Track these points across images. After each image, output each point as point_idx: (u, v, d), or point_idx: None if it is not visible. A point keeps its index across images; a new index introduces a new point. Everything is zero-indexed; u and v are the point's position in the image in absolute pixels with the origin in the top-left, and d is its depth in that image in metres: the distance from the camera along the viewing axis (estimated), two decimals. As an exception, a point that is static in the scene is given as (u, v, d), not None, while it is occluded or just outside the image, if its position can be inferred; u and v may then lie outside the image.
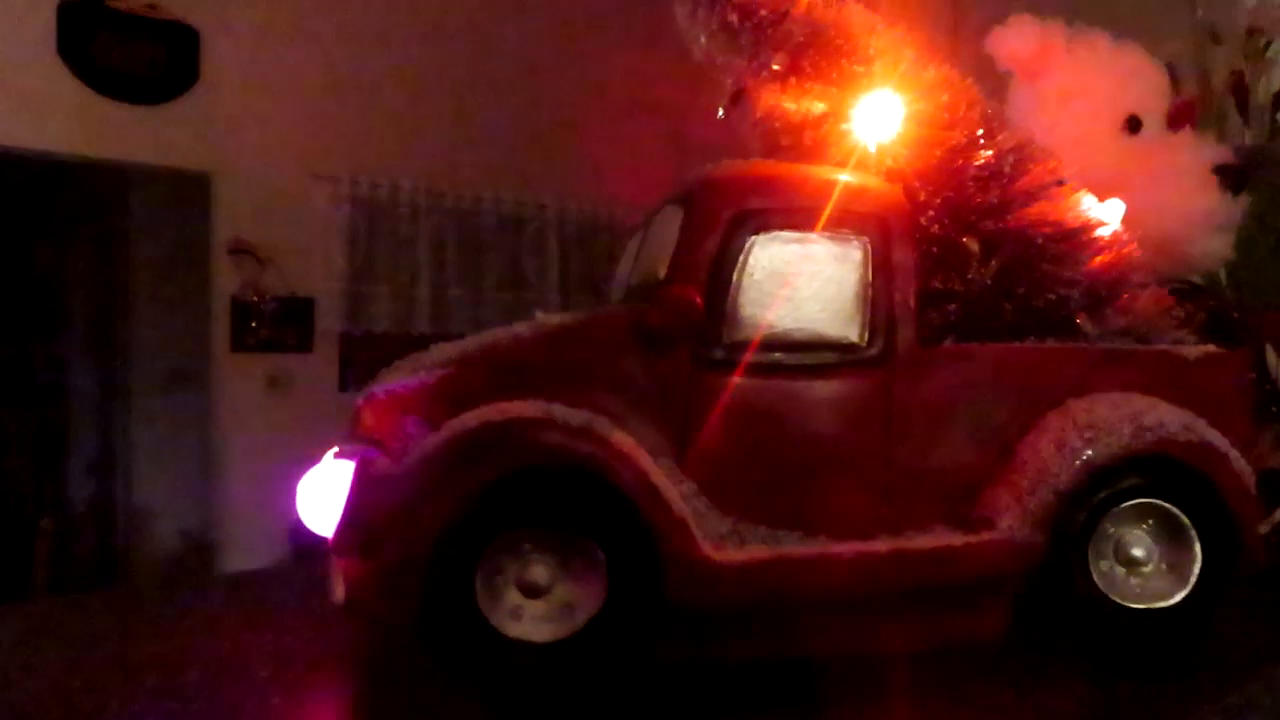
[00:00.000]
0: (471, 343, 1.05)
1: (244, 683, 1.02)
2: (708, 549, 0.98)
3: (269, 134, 5.30)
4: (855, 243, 1.08)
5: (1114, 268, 1.21)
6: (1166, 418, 1.09)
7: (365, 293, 5.59)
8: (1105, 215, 1.23)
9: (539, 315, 1.08)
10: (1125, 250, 1.22)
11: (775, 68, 1.14)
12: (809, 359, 1.07)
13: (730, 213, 1.06)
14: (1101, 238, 1.21)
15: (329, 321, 5.37)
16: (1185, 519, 1.10)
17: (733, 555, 0.99)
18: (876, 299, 1.08)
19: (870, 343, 1.08)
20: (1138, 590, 1.09)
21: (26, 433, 5.12)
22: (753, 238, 1.06)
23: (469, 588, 0.93)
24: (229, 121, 5.28)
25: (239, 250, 5.21)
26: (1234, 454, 1.11)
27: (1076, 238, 1.17)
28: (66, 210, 5.16)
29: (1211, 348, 1.20)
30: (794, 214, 1.07)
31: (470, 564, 0.93)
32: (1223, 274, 1.74)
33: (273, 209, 5.39)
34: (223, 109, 5.27)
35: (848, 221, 1.08)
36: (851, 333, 1.08)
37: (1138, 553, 1.10)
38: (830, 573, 1.02)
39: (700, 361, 1.04)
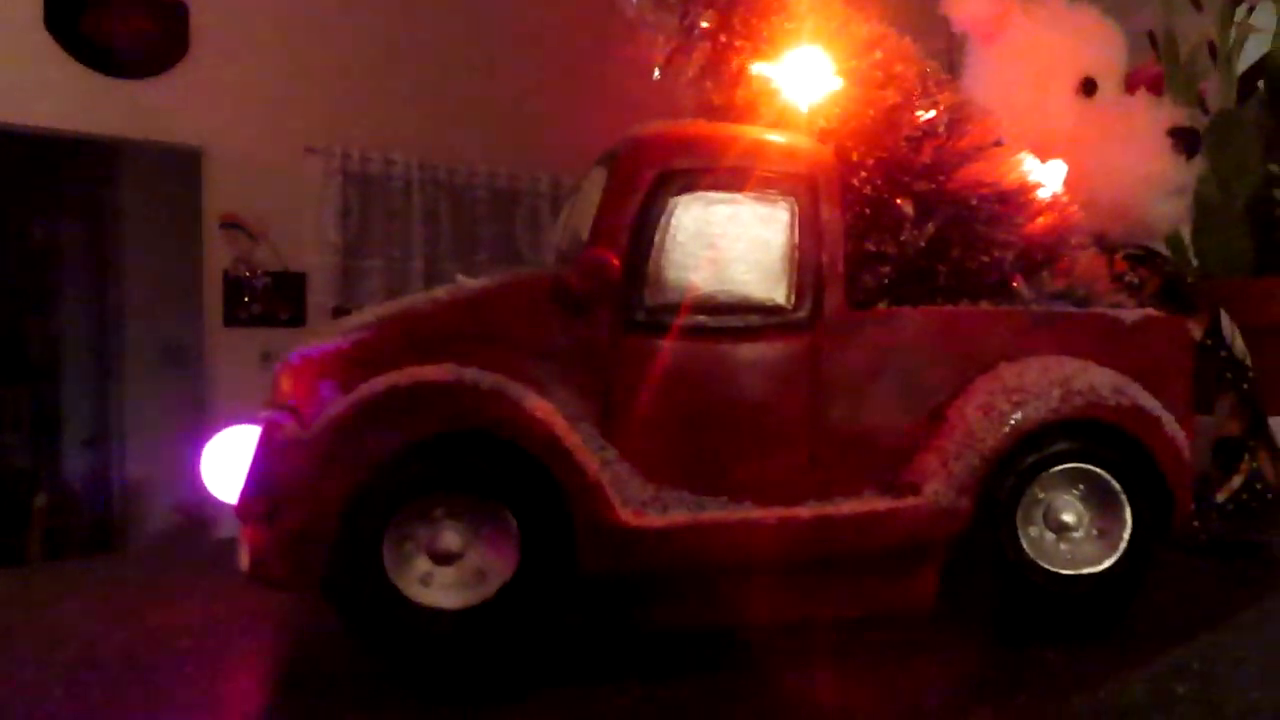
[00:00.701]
0: (390, 307, 1.04)
1: (163, 653, 1.02)
2: (625, 514, 0.97)
3: (260, 107, 5.29)
4: (782, 204, 1.07)
5: (1053, 230, 1.19)
6: (1097, 381, 1.08)
7: (358, 267, 5.59)
8: (1045, 176, 1.21)
9: (460, 279, 1.06)
10: (1065, 212, 1.20)
11: (704, 25, 1.12)
12: (733, 322, 1.05)
13: (653, 173, 1.04)
14: (1041, 199, 1.19)
15: (322, 296, 5.37)
16: (1116, 484, 1.08)
17: (651, 521, 0.98)
18: (803, 261, 1.07)
19: (796, 305, 1.06)
20: (1067, 556, 1.08)
21: (21, 409, 5.14)
22: (676, 199, 1.04)
23: (376, 555, 0.92)
24: (219, 95, 5.27)
25: (230, 225, 5.21)
26: (1168, 419, 1.10)
27: (1013, 199, 1.15)
28: (60, 186, 5.15)
29: (1151, 312, 1.18)
30: (719, 175, 1.05)
31: (378, 531, 0.92)
32: (1186, 239, 1.72)
33: (264, 183, 5.39)
34: (212, 82, 5.26)
35: (774, 182, 1.07)
36: (777, 295, 1.06)
37: (1068, 518, 1.08)
38: (751, 538, 1.00)
39: (622, 325, 1.03)
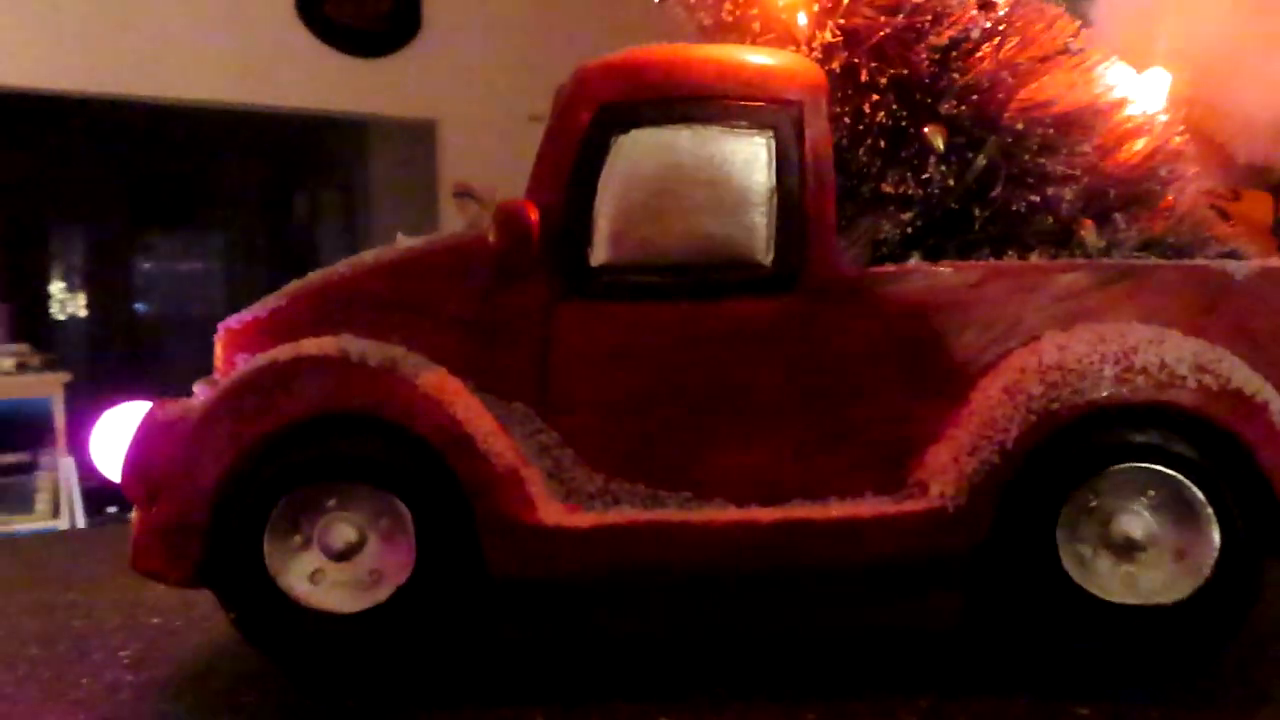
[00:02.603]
0: (321, 272, 0.95)
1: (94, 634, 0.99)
2: (544, 512, 0.83)
3: (489, 79, 5.39)
4: (756, 137, 0.87)
5: (1148, 159, 0.92)
6: (1173, 355, 0.82)
7: (585, 231, 5.59)
8: (1139, 91, 0.94)
9: (399, 238, 0.95)
10: (1166, 136, 0.93)
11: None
12: (693, 283, 0.88)
13: (591, 109, 0.88)
14: (1128, 120, 0.92)
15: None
16: (1197, 491, 0.82)
17: (575, 520, 0.84)
18: (784, 207, 0.87)
19: (776, 262, 0.87)
20: (1127, 584, 0.83)
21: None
22: (619, 137, 0.88)
23: (255, 548, 0.83)
24: (451, 69, 5.41)
25: (462, 194, 5.34)
26: (1277, 404, 0.82)
27: (1077, 122, 0.90)
28: (316, 162, 5.49)
29: (1273, 261, 0.89)
30: (671, 106, 0.88)
31: (256, 521, 0.83)
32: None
33: (495, 152, 5.48)
34: (445, 57, 5.40)
35: (745, 112, 0.88)
36: (750, 249, 0.88)
37: (1135, 534, 0.83)
38: (696, 546, 0.83)
39: (559, 289, 0.88)
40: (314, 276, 0.93)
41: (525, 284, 0.88)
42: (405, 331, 0.88)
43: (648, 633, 0.89)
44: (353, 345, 0.84)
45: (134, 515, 0.87)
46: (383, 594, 0.83)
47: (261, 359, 0.85)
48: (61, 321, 4.82)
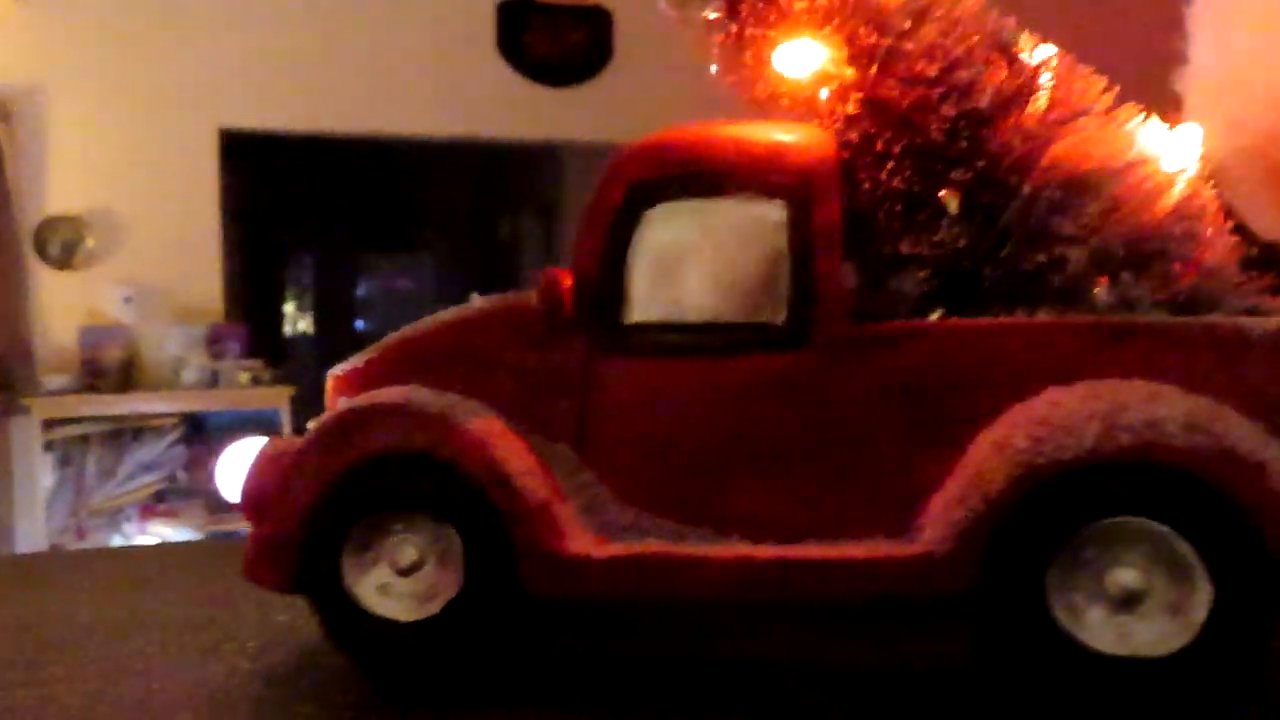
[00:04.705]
0: (408, 327, 1.10)
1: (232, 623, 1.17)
2: (571, 542, 0.95)
3: (675, 104, 5.54)
4: (769, 208, 0.96)
5: (1171, 218, 0.95)
6: (1163, 413, 0.85)
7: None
8: (1168, 149, 0.96)
9: (473, 298, 1.09)
10: (1193, 195, 0.95)
11: (712, 15, 1.04)
12: (712, 341, 0.97)
13: (625, 186, 0.99)
14: (1148, 177, 0.95)
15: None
16: (1187, 546, 0.84)
17: (598, 550, 0.95)
18: (796, 271, 0.96)
19: (787, 321, 0.96)
20: (1120, 634, 0.86)
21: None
22: (649, 210, 0.98)
23: (335, 563, 0.98)
24: (640, 96, 5.60)
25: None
26: (1281, 464, 0.83)
27: (1087, 183, 0.93)
28: (517, 187, 5.81)
29: (1290, 318, 0.90)
30: (694, 180, 0.97)
31: (335, 542, 0.98)
32: None
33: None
34: (634, 85, 5.60)
35: (759, 185, 0.96)
36: (762, 311, 0.96)
37: (1127, 586, 0.86)
38: (705, 577, 0.93)
39: (598, 345, 1.00)
40: (402, 331, 1.08)
41: (569, 340, 1.00)
42: (469, 380, 1.01)
43: (668, 654, 0.98)
44: (416, 395, 0.98)
45: (249, 532, 1.05)
46: (436, 606, 0.97)
47: (344, 405, 1.00)
48: (291, 339, 5.34)
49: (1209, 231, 0.95)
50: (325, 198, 5.26)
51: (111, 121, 4.47)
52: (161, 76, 4.52)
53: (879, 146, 0.97)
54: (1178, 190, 0.95)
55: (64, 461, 4.25)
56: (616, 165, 1.00)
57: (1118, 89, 0.98)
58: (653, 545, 0.95)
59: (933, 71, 0.96)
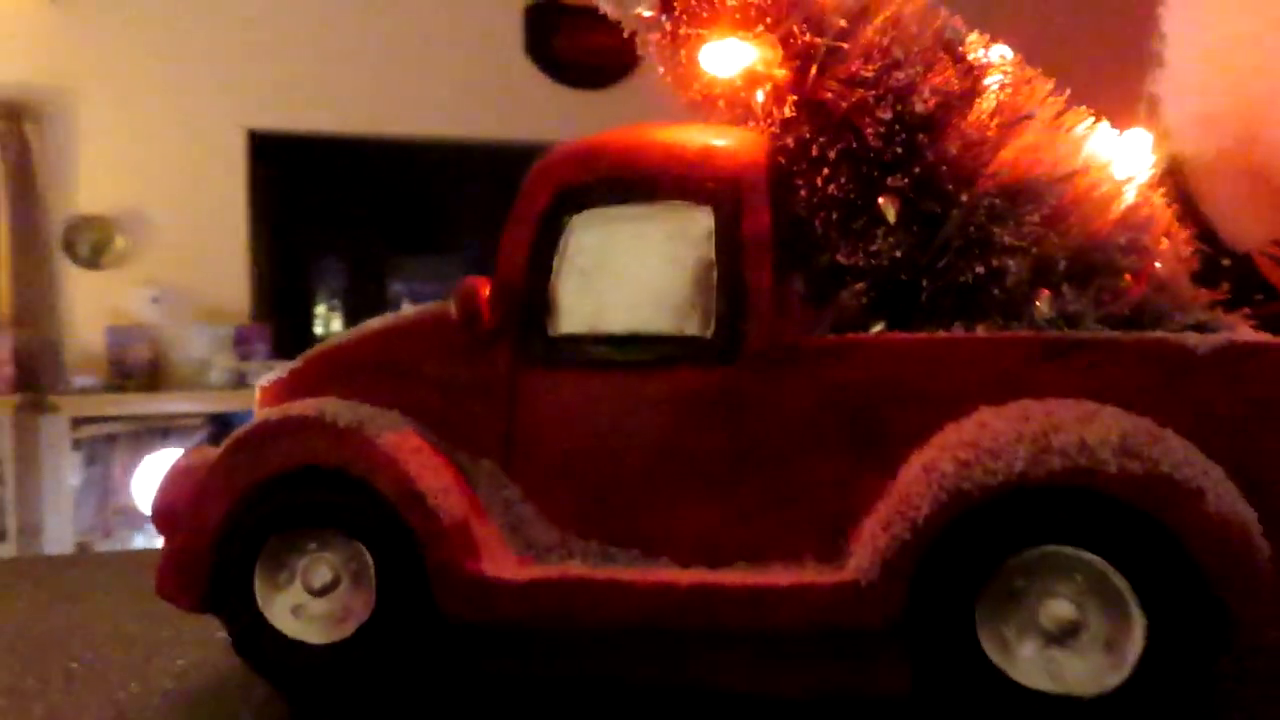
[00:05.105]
0: (334, 337, 1.07)
1: (166, 642, 1.14)
2: (489, 563, 0.91)
3: (701, 108, 5.48)
4: (696, 215, 0.92)
5: (1118, 228, 0.89)
6: (1097, 436, 0.79)
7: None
8: (1115, 152, 0.91)
9: (404, 305, 1.06)
10: (1141, 205, 0.89)
11: (645, 13, 0.99)
12: (639, 354, 0.93)
13: (551, 190, 0.95)
14: (1094, 185, 0.89)
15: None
16: (1121, 579, 0.79)
17: (520, 573, 0.91)
18: (723, 281, 0.91)
19: (715, 334, 0.91)
20: (1052, 670, 0.81)
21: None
22: (572, 217, 0.94)
23: (247, 582, 0.95)
24: (668, 98, 5.54)
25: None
26: (1222, 492, 0.78)
27: (1029, 191, 0.88)
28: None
29: (1241, 336, 0.84)
30: (617, 187, 0.93)
31: (247, 560, 0.95)
32: None
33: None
34: (662, 87, 5.53)
35: (686, 191, 0.92)
36: (691, 323, 0.92)
37: (1059, 619, 0.81)
38: (625, 603, 0.89)
39: (523, 357, 0.96)
40: (328, 341, 1.05)
41: (495, 351, 0.96)
42: (393, 392, 0.98)
43: (593, 677, 0.94)
44: (329, 407, 0.95)
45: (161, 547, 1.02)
46: (349, 628, 0.94)
47: (258, 417, 0.97)
48: (322, 339, 5.36)
49: (1161, 242, 0.89)
50: (354, 199, 5.27)
51: (141, 123, 4.51)
52: (190, 78, 4.56)
53: (814, 151, 0.92)
54: (1126, 199, 0.89)
55: (91, 460, 4.29)
56: (542, 169, 0.96)
57: (1068, 92, 0.93)
58: (572, 569, 0.91)
59: (869, 73, 0.91)
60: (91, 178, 4.47)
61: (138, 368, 4.40)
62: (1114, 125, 0.93)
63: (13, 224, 4.31)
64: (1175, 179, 1.16)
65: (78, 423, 4.23)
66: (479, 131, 5.23)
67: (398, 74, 4.85)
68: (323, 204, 5.15)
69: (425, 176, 5.24)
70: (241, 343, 4.54)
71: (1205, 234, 1.00)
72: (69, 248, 4.42)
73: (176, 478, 0.99)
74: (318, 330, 5.51)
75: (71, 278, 4.43)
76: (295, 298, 5.28)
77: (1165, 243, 0.89)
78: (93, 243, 4.46)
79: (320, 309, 5.54)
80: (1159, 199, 0.91)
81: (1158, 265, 0.88)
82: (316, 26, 4.75)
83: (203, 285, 4.59)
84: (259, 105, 4.65)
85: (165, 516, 0.99)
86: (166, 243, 4.53)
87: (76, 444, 4.24)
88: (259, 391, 1.07)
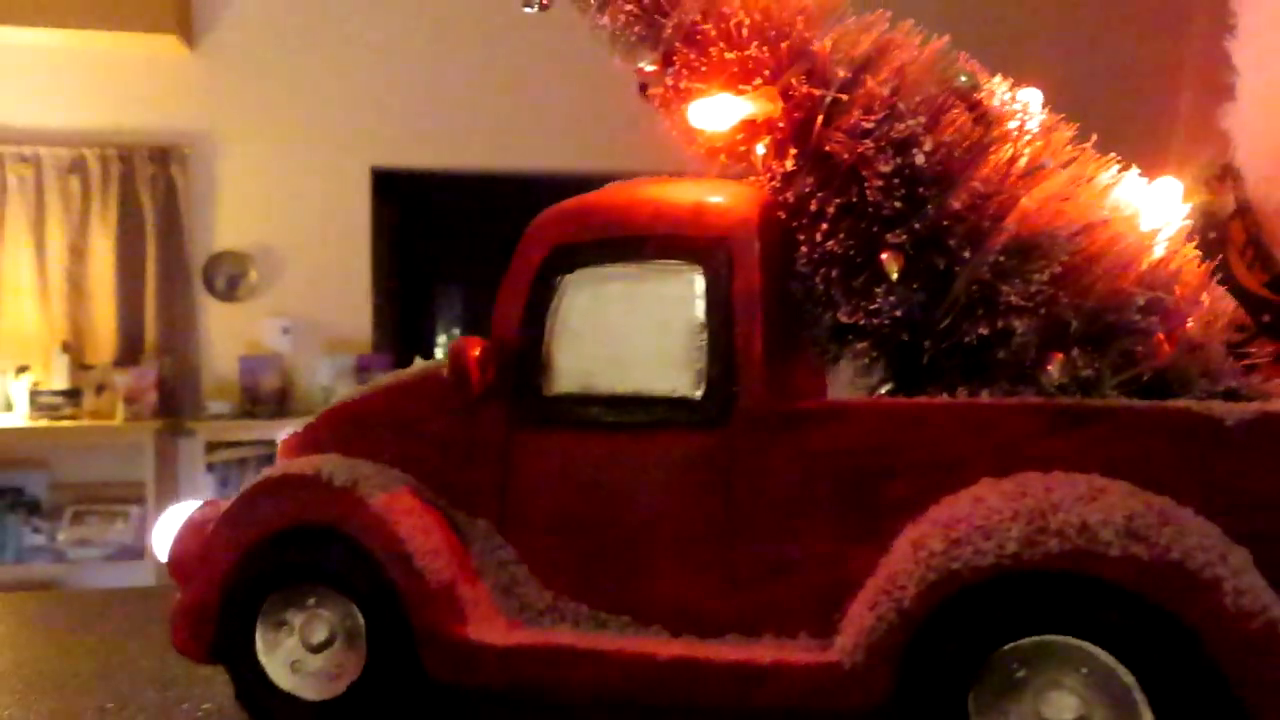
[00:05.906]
0: (348, 392, 1.07)
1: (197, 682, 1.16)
2: (476, 627, 0.89)
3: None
4: (687, 275, 0.89)
5: (1147, 283, 0.82)
6: (1098, 517, 0.72)
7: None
8: (1142, 202, 0.84)
9: (416, 361, 1.06)
10: (1170, 255, 0.82)
11: (649, 68, 0.97)
12: (631, 415, 0.90)
13: (544, 250, 0.94)
14: (1114, 240, 0.82)
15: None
16: (1126, 673, 0.72)
17: (508, 637, 0.89)
18: (713, 342, 0.88)
19: (705, 396, 0.88)
20: (1049, 769, 0.74)
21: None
22: (565, 277, 0.93)
23: (249, 636, 0.96)
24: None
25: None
26: (1243, 581, 0.70)
27: (1039, 247, 0.82)
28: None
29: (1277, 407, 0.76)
30: (609, 246, 0.91)
31: (249, 614, 0.96)
32: None
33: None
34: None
35: (677, 250, 0.89)
36: (681, 385, 0.89)
37: (1062, 714, 0.74)
38: (607, 674, 0.86)
39: (518, 417, 0.94)
40: (343, 396, 1.06)
41: (491, 410, 0.95)
42: (396, 449, 0.98)
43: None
44: (326, 465, 0.95)
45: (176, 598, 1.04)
46: (341, 687, 0.93)
47: (263, 474, 0.98)
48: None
49: (1200, 299, 0.81)
50: (473, 233, 5.39)
51: (273, 163, 4.71)
52: (319, 121, 4.74)
53: (814, 205, 0.88)
54: (1153, 253, 0.82)
55: (223, 482, 4.48)
56: (537, 227, 0.95)
57: (1094, 138, 0.86)
58: (556, 635, 0.88)
59: (869, 124, 0.86)
60: (229, 215, 4.69)
61: (268, 395, 4.58)
62: (1144, 174, 0.86)
63: (159, 260, 4.55)
64: (1245, 220, 1.07)
65: (212, 447, 4.43)
66: (595, 165, 5.27)
67: (514, 110, 4.94)
68: (444, 237, 5.27)
69: (541, 209, 5.32)
70: (362, 370, 4.67)
71: (1278, 279, 0.92)
72: (207, 281, 4.63)
73: (190, 531, 1.01)
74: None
75: (210, 309, 4.64)
76: (417, 328, 5.42)
77: (1205, 299, 0.81)
78: (229, 276, 4.67)
79: (441, 338, 5.67)
80: (1190, 251, 0.83)
81: (1189, 324, 0.80)
82: (437, 67, 4.88)
83: (329, 316, 4.75)
84: (382, 144, 4.80)
85: (179, 568, 1.01)
86: (296, 276, 4.71)
87: (210, 467, 4.45)
88: (280, 445, 1.08)
